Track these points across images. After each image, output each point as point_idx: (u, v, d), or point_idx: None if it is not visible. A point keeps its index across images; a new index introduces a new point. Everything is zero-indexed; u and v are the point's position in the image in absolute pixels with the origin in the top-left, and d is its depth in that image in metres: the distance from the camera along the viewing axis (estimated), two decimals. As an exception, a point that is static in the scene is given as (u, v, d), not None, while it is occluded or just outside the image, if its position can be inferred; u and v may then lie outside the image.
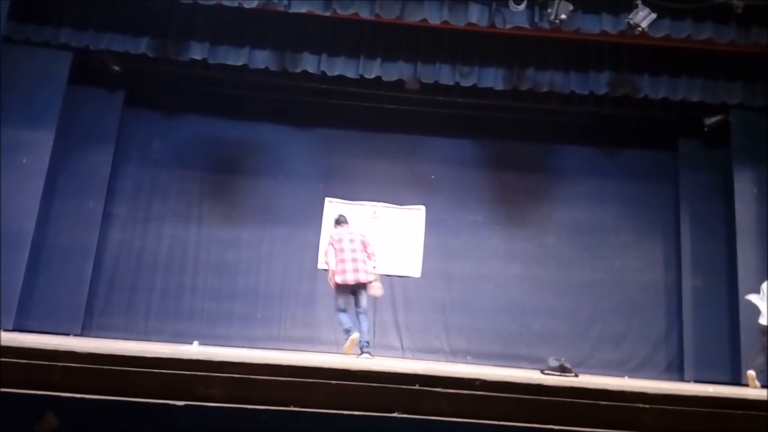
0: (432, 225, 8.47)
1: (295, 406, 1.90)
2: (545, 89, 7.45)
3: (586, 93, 7.47)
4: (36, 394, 1.83)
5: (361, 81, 7.65)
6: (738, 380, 6.99)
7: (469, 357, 8.00)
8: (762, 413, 2.06)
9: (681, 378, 7.70)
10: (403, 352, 8.04)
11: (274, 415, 1.81)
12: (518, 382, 2.16)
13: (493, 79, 7.43)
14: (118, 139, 8.12)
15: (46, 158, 7.21)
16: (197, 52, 7.29)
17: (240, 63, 7.37)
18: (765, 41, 6.83)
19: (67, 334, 7.17)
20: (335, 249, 6.30)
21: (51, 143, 7.24)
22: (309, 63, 7.37)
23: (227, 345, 7.21)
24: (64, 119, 7.51)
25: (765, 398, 2.28)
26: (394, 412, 1.84)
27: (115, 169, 8.12)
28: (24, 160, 7.14)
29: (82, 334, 7.47)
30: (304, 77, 7.64)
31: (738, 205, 7.44)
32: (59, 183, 7.73)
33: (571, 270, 8.31)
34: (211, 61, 7.40)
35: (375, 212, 8.50)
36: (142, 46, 7.29)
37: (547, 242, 8.47)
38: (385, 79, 7.47)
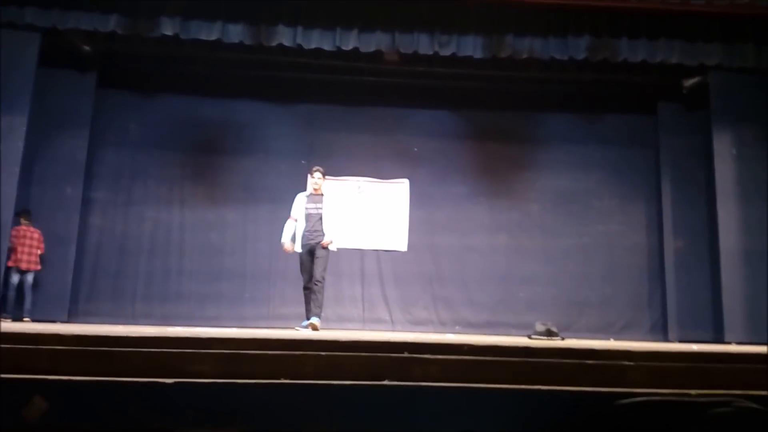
0: (416, 198, 8.48)
1: (285, 379, 1.90)
2: (525, 56, 7.40)
3: (566, 59, 7.43)
4: (23, 378, 1.81)
5: (339, 54, 7.52)
6: (721, 339, 7.16)
7: (457, 327, 8.10)
8: (744, 365, 2.10)
9: (665, 338, 7.87)
10: (393, 324, 8.10)
11: (264, 388, 1.81)
12: (505, 345, 2.19)
13: (472, 47, 7.37)
14: (94, 123, 7.98)
15: (21, 144, 7.03)
16: (168, 27, 7.10)
17: (213, 38, 7.20)
18: (742, 2, 6.83)
19: (54, 321, 7.12)
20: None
21: (24, 129, 7.07)
22: (284, 36, 7.23)
23: (217, 326, 7.20)
24: (37, 103, 7.33)
25: (746, 352, 2.33)
26: (383, 380, 1.85)
27: (92, 154, 7.99)
28: (-2, 147, 6.99)
29: (68, 321, 7.43)
30: (280, 51, 7.50)
31: (717, 167, 7.52)
32: (36, 169, 7.59)
33: (556, 237, 8.39)
34: (183, 37, 7.21)
35: (359, 187, 8.48)
36: (111, 23, 7.09)
37: (531, 211, 8.53)
38: (362, 50, 7.37)
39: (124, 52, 7.94)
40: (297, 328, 6.10)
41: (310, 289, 6.16)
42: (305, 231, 6.18)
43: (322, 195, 6.28)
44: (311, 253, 6.14)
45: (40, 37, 7.24)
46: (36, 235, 7.39)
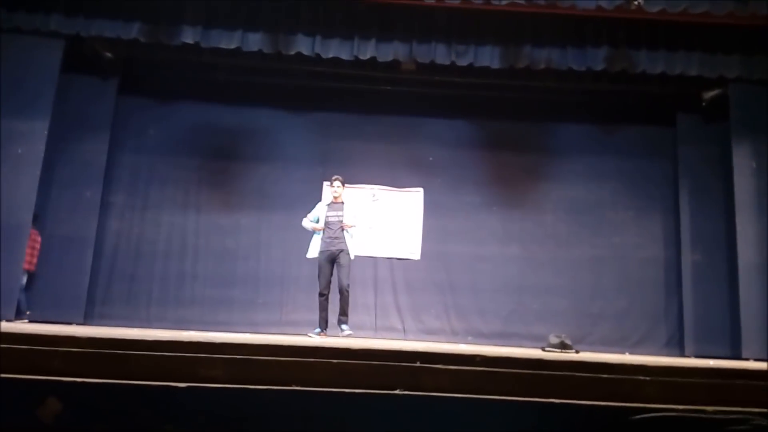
0: (430, 207, 8.47)
1: (296, 386, 1.90)
2: (542, 66, 7.38)
3: (584, 69, 7.40)
4: (37, 379, 1.83)
5: (357, 63, 7.57)
6: (738, 355, 7.02)
7: (470, 337, 8.04)
8: (762, 383, 2.06)
9: (681, 353, 7.74)
10: (405, 333, 8.07)
11: (275, 395, 1.81)
12: (518, 357, 2.17)
13: (489, 57, 7.37)
14: (114, 128, 8.08)
15: (42, 148, 7.15)
16: (189, 36, 7.22)
17: (233, 46, 7.30)
18: (762, 13, 6.76)
19: (70, 323, 7.19)
20: None
21: (46, 133, 7.19)
22: (303, 45, 7.30)
23: (229, 330, 7.23)
24: (59, 108, 7.44)
25: (764, 369, 2.28)
26: (395, 389, 1.84)
27: (111, 158, 8.09)
28: (19, 151, 7.09)
29: (84, 323, 7.50)
30: (298, 60, 7.57)
31: (737, 179, 7.42)
32: (56, 173, 7.71)
33: (570, 248, 8.32)
34: (203, 45, 7.33)
35: (374, 195, 8.49)
36: (133, 31, 7.22)
37: (545, 221, 8.47)
38: (380, 59, 7.41)
39: (145, 58, 8.05)
40: (309, 334, 6.13)
41: (325, 297, 6.23)
42: (326, 238, 6.32)
43: (342, 203, 6.43)
44: (332, 260, 6.26)
45: (64, 44, 7.38)
46: (38, 238, 7.48)
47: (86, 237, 7.77)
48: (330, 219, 6.40)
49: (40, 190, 7.19)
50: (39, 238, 7.50)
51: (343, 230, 6.33)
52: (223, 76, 8.40)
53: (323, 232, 6.35)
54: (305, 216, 6.61)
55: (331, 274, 6.30)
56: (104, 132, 7.98)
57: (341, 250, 6.27)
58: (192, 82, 8.47)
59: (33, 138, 7.13)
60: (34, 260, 7.43)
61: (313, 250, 6.39)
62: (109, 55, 7.91)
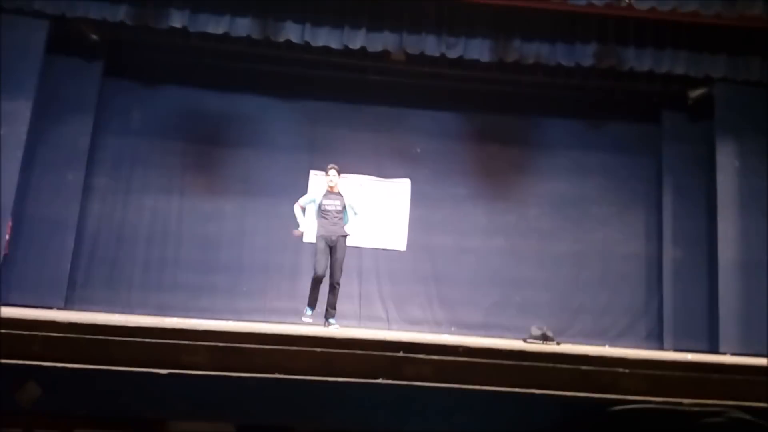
0: (415, 198, 8.49)
1: (279, 373, 1.90)
2: (531, 61, 7.41)
3: (572, 65, 7.44)
4: (16, 364, 1.81)
5: (346, 52, 7.53)
6: (716, 349, 7.16)
7: (453, 328, 8.10)
8: (738, 376, 2.11)
9: (660, 347, 7.87)
10: (388, 323, 8.11)
11: (258, 382, 1.82)
12: (500, 348, 2.19)
13: (479, 50, 7.37)
14: (98, 110, 7.97)
15: (24, 129, 7.04)
16: (177, 19, 7.12)
17: (221, 31, 7.22)
18: (750, 14, 6.83)
19: (50, 308, 7.11)
20: None
21: (29, 114, 7.08)
22: (292, 32, 7.24)
23: (212, 317, 7.21)
24: (43, 90, 7.33)
25: (741, 363, 2.33)
26: (377, 378, 1.85)
27: (94, 141, 7.98)
28: (1, 132, 6.97)
29: (65, 308, 7.43)
30: (287, 47, 7.51)
31: (720, 178, 7.53)
32: (38, 155, 7.58)
33: (553, 242, 8.39)
34: (191, 30, 7.24)
35: (360, 184, 8.48)
36: (120, 13, 7.10)
37: (529, 215, 8.53)
38: (370, 49, 7.38)
39: (131, 41, 7.94)
40: (304, 318, 6.21)
41: (321, 281, 6.26)
42: (326, 225, 6.39)
43: (338, 193, 6.45)
44: (331, 247, 6.32)
45: (48, 25, 7.24)
46: (9, 222, 7.35)
47: (68, 220, 7.68)
48: (328, 208, 6.43)
49: (21, 172, 7.09)
50: (10, 223, 7.36)
51: (341, 219, 6.38)
52: (210, 61, 8.31)
53: (322, 220, 6.38)
54: (295, 202, 6.61)
55: (328, 261, 6.33)
56: (88, 114, 7.87)
57: (340, 236, 6.36)
58: (179, 67, 8.37)
59: (15, 119, 7.01)
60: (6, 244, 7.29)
61: (311, 233, 6.47)
62: (94, 37, 7.78)
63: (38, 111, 7.27)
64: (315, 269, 6.30)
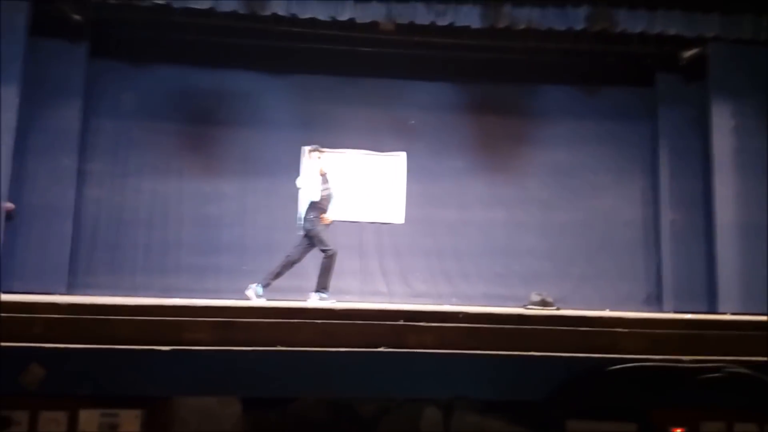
0: (413, 171, 8.46)
1: (281, 346, 1.91)
2: (523, 26, 7.32)
3: (564, 29, 7.36)
4: (18, 347, 1.82)
5: (335, 23, 7.42)
6: (715, 310, 7.22)
7: (454, 299, 8.14)
8: (737, 332, 2.12)
9: (660, 310, 7.93)
10: (390, 297, 8.15)
11: (260, 355, 1.83)
12: (500, 312, 2.20)
13: (469, 17, 7.28)
14: (87, 93, 7.88)
15: (13, 116, 6.95)
16: (158, -5, 6.98)
17: (205, 6, 7.10)
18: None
19: (52, 294, 7.13)
20: None
21: (17, 100, 6.98)
22: (278, 5, 7.14)
23: (216, 298, 7.21)
24: (29, 74, 7.22)
25: (739, 320, 2.35)
26: (379, 347, 1.86)
27: (86, 124, 7.91)
28: (-9, 118, 6.91)
29: (67, 293, 7.44)
30: (274, 21, 7.40)
31: (715, 139, 7.51)
32: (30, 141, 7.51)
33: (553, 211, 8.40)
34: (175, 5, 7.10)
35: (356, 159, 8.45)
36: (99, -9, 6.96)
37: (528, 185, 8.52)
38: (358, 20, 7.28)
39: (115, 20, 7.80)
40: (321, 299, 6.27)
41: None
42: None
43: (325, 174, 6.47)
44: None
45: (28, 6, 7.08)
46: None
47: (65, 205, 7.65)
48: (323, 193, 6.51)
49: (14, 159, 7.03)
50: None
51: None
52: (197, 37, 8.13)
53: (325, 203, 6.50)
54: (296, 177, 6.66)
55: None
56: (77, 97, 7.77)
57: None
58: (166, 45, 8.25)
59: (4, 105, 6.90)
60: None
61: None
62: (77, 17, 7.63)
63: (26, 96, 7.17)
64: (332, 248, 6.32)
